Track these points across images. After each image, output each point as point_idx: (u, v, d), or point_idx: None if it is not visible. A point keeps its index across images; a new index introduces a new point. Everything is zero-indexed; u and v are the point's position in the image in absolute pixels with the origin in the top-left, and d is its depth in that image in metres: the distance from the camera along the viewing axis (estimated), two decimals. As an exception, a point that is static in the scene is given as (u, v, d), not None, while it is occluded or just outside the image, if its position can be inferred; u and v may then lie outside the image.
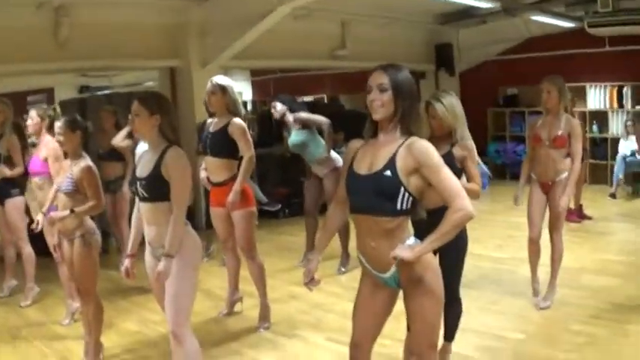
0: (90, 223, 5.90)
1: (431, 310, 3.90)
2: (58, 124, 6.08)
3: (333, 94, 18.53)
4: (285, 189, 12.26)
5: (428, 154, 3.68)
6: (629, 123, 14.20)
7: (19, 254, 8.23)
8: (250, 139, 6.75)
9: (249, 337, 6.70)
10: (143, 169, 4.77)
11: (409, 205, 3.75)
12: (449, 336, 5.30)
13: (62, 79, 18.39)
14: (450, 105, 5.19)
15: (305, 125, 8.76)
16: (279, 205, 12.49)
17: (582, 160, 10.71)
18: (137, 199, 4.93)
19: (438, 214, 3.82)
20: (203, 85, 10.35)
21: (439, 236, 3.65)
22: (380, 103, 3.75)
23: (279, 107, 8.83)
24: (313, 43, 13.58)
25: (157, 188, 4.65)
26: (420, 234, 3.84)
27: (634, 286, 7.71)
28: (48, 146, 7.19)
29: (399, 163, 3.69)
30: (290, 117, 8.80)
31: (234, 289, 7.38)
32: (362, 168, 3.84)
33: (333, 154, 8.96)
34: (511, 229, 7.59)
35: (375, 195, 3.73)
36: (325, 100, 18.49)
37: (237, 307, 7.43)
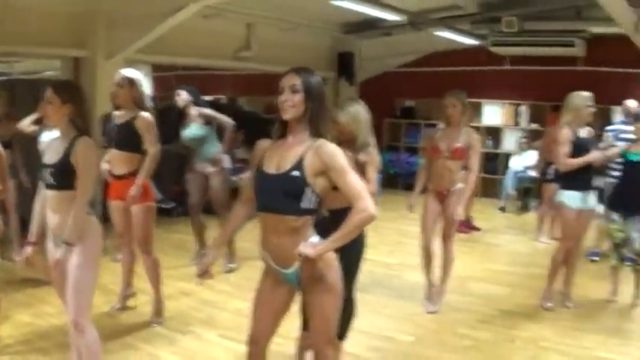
0: None
1: (330, 307, 4.02)
2: None
3: (233, 95, 18.52)
4: (179, 187, 12.18)
5: (335, 157, 3.79)
6: (523, 140, 14.63)
7: None
8: (156, 135, 6.70)
9: (144, 332, 6.65)
10: (52, 157, 4.72)
11: (314, 205, 3.86)
12: (341, 335, 5.38)
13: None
14: (355, 113, 5.33)
15: (208, 122, 8.75)
16: (173, 203, 12.44)
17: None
18: (40, 187, 4.88)
19: (339, 214, 3.94)
20: (107, 77, 10.30)
21: (342, 235, 3.77)
22: (291, 103, 3.84)
23: (184, 96, 8.74)
24: (219, 42, 13.50)
25: (64, 176, 4.62)
26: (321, 233, 3.94)
27: (521, 294, 8.00)
28: None
29: (307, 164, 3.79)
30: (194, 110, 8.74)
31: (127, 284, 7.30)
32: (270, 168, 3.91)
33: (224, 155, 9.00)
34: (401, 237, 7.75)
35: (283, 194, 3.82)
36: (224, 101, 18.44)
37: (130, 302, 7.35)
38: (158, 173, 6.87)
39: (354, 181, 3.79)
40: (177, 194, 12.25)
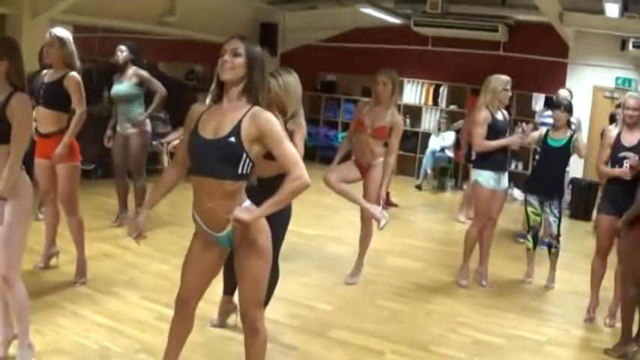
0: None
1: (261, 270, 4.06)
2: None
3: (154, 60, 18.36)
4: (98, 149, 12.04)
5: (271, 124, 3.82)
6: (442, 120, 14.81)
7: None
8: (84, 95, 6.63)
9: (67, 291, 6.57)
10: None
11: (249, 171, 3.88)
12: (265, 301, 5.40)
13: None
14: (286, 83, 5.33)
15: (140, 83, 8.69)
16: (93, 165, 12.29)
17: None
18: None
19: (268, 182, 4.14)
20: (32, 36, 10.15)
21: (277, 201, 3.83)
22: (231, 65, 3.84)
23: (125, 53, 8.68)
24: (143, 6, 13.30)
25: None
26: (251, 199, 3.97)
27: (436, 270, 8.15)
28: None
29: (244, 131, 3.80)
30: (131, 68, 8.68)
31: (50, 242, 7.17)
32: (207, 132, 3.91)
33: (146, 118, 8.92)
34: (320, 209, 7.79)
35: (219, 159, 3.82)
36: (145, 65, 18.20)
37: (53, 262, 7.24)
38: (78, 135, 6.79)
39: (289, 149, 3.84)
40: (97, 156, 12.10)
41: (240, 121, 3.82)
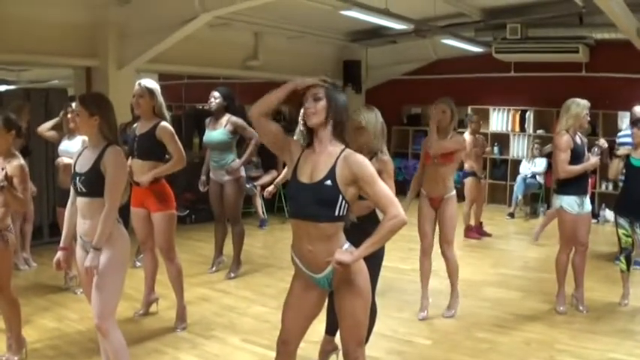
0: (8, 220, 5.89)
1: (361, 309, 4.15)
2: None
3: (241, 103, 18.60)
4: (191, 195, 12.27)
5: (363, 167, 3.96)
6: (537, 146, 14.66)
7: None
8: (179, 143, 6.81)
9: (168, 337, 6.76)
10: (83, 165, 4.89)
11: (345, 212, 4.00)
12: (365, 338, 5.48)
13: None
14: (369, 120, 5.39)
15: (235, 131, 8.74)
16: (187, 211, 12.55)
17: (480, 179, 11.10)
18: (72, 194, 5.04)
19: (360, 221, 4.23)
20: (119, 86, 10.45)
21: (375, 241, 3.94)
22: (314, 110, 4.01)
23: (218, 100, 8.72)
24: (227, 52, 13.66)
25: (94, 184, 4.78)
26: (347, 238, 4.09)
27: (533, 299, 8.07)
28: None
29: (339, 174, 3.95)
30: (227, 116, 8.73)
31: (150, 289, 7.39)
32: (303, 176, 4.06)
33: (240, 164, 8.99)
34: (412, 243, 7.83)
35: (317, 202, 3.96)
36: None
37: (153, 308, 7.46)
38: (170, 181, 6.96)
39: (382, 189, 3.95)
40: (191, 202, 12.36)
41: (334, 165, 3.96)
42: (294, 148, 4.23)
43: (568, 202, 7.19)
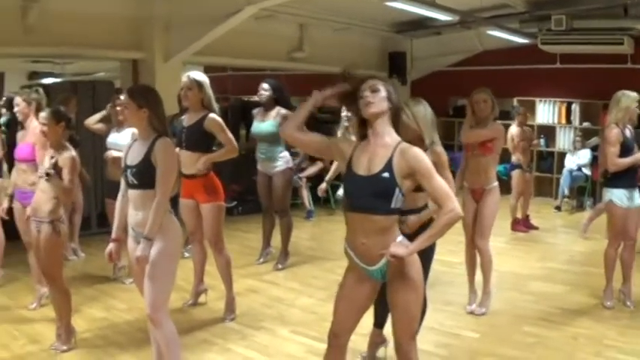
0: (61, 211, 6.00)
1: (413, 302, 4.18)
2: (42, 115, 6.06)
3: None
4: (238, 186, 12.38)
5: (420, 160, 3.97)
6: (577, 138, 14.63)
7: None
8: (229, 132, 6.86)
9: (217, 328, 6.84)
10: (134, 158, 4.94)
11: (400, 204, 4.03)
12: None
13: (11, 65, 18.18)
14: (417, 112, 5.32)
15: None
16: (235, 202, 12.65)
17: (526, 172, 11.02)
18: (122, 186, 5.11)
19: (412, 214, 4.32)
20: (165, 79, 10.52)
21: (431, 235, 4.01)
22: (372, 100, 4.02)
23: (268, 92, 8.80)
24: (272, 43, 13.70)
25: (146, 176, 4.84)
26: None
27: (580, 293, 8.05)
28: (35, 132, 6.83)
29: (396, 167, 3.97)
30: (276, 108, 8.77)
31: (199, 280, 7.48)
32: (360, 169, 4.08)
33: (287, 154, 9.08)
34: (462, 236, 7.82)
35: (373, 195, 3.99)
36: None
37: (202, 299, 7.55)
38: (217, 173, 7.02)
39: (439, 183, 3.97)
40: (237, 193, 12.45)
41: (391, 157, 3.98)
42: (344, 146, 4.25)
43: (617, 196, 7.14)
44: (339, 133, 8.58)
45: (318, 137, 4.34)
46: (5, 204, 7.24)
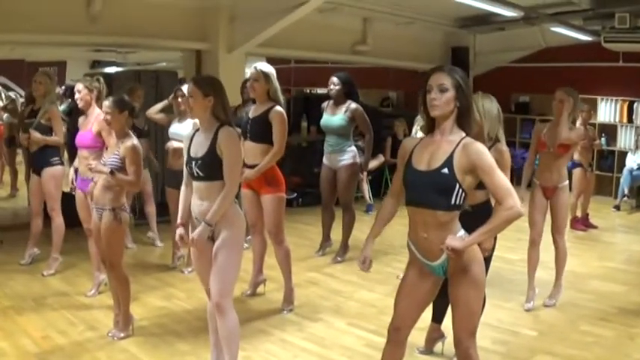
0: (123, 199, 6.15)
1: (475, 299, 4.20)
2: (105, 103, 6.17)
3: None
4: (299, 178, 12.48)
5: (482, 155, 3.96)
6: (638, 137, 14.49)
7: (45, 224, 8.41)
8: (286, 132, 6.95)
9: (274, 318, 6.95)
10: (198, 150, 4.99)
11: (462, 201, 4.04)
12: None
13: (74, 53, 18.46)
14: (485, 109, 5.35)
15: (353, 118, 8.87)
16: (295, 194, 12.76)
17: (587, 171, 10.95)
18: (185, 175, 5.18)
19: (477, 209, 4.30)
20: (229, 69, 10.64)
21: (489, 230, 3.98)
22: (438, 102, 4.01)
23: (338, 87, 8.89)
24: (335, 36, 13.74)
25: (212, 168, 4.89)
26: (462, 226, 4.13)
27: (638, 293, 8.04)
28: (99, 119, 7.01)
29: (456, 162, 3.97)
30: (347, 102, 8.89)
31: (258, 271, 7.59)
32: (421, 164, 4.10)
33: (354, 148, 9.14)
34: (520, 233, 7.84)
35: (433, 190, 4.00)
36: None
37: (261, 289, 7.67)
38: (278, 165, 7.07)
39: (500, 179, 3.95)
40: (297, 185, 12.54)
41: (452, 153, 3.98)
42: (406, 150, 4.25)
43: None
44: (415, 129, 8.53)
45: (395, 187, 4.40)
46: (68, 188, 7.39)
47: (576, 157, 11.61)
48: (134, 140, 6.08)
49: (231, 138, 4.95)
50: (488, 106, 5.42)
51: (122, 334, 6.23)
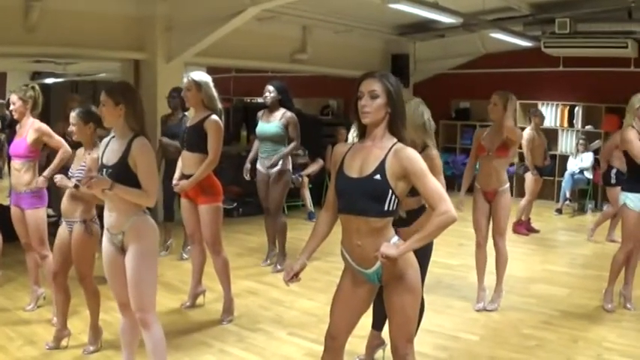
0: (94, 211, 5.96)
1: (411, 305, 4.10)
2: (72, 115, 5.96)
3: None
4: (238, 188, 12.34)
5: (413, 161, 3.87)
6: (581, 141, 14.59)
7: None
8: (221, 141, 6.82)
9: (214, 329, 6.81)
10: (109, 158, 4.85)
11: (395, 207, 3.95)
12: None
13: (14, 65, 18.22)
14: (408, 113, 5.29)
15: (287, 126, 8.79)
16: (235, 204, 12.62)
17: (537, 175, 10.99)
18: None
19: (412, 215, 4.29)
20: (167, 79, 10.55)
21: (423, 236, 3.86)
22: (369, 109, 3.93)
23: (272, 94, 8.81)
24: (275, 45, 13.73)
25: (122, 178, 4.72)
26: (395, 232, 4.06)
27: (581, 295, 8.02)
28: (35, 127, 6.86)
29: (388, 168, 3.88)
30: (281, 110, 8.84)
31: (197, 282, 7.45)
32: (352, 171, 4.00)
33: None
34: (462, 238, 7.81)
35: (366, 197, 3.90)
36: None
37: (200, 301, 7.52)
38: (217, 174, 6.99)
39: (433, 184, 3.86)
40: (238, 195, 12.43)
41: (384, 159, 3.90)
42: (337, 157, 4.16)
43: (632, 199, 7.08)
44: (351, 136, 8.48)
45: (330, 198, 4.29)
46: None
47: (528, 161, 11.68)
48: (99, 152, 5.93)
49: (144, 149, 4.79)
50: (415, 112, 5.37)
51: (92, 348, 6.07)
